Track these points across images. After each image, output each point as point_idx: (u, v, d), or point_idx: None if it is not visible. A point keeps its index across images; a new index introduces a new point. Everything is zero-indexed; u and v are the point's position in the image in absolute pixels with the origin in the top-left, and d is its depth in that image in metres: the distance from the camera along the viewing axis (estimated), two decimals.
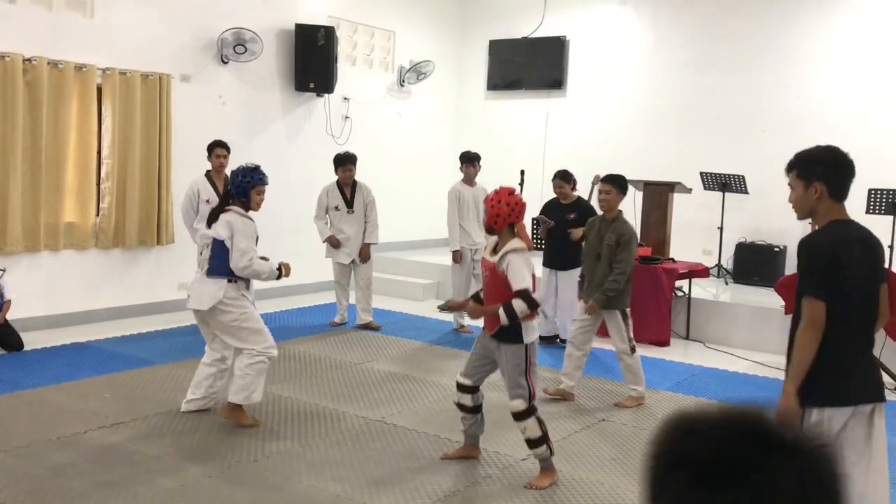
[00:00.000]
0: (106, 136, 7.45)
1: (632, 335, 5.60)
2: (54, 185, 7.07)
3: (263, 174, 4.89)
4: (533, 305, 4.03)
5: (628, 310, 5.60)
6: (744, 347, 7.60)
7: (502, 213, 4.19)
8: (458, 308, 4.88)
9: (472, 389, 4.38)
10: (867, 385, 2.98)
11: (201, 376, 5.10)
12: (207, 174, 7.27)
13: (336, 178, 7.75)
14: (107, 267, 7.62)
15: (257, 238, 4.90)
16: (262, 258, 4.95)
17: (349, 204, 7.72)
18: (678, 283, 7.97)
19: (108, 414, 4.99)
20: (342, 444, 4.68)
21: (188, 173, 7.58)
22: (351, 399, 5.56)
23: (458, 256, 7.73)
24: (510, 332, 4.13)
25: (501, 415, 5.29)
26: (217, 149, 7.19)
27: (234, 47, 8.31)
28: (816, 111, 9.02)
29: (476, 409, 4.42)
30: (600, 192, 5.66)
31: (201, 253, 5.07)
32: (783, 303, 7.04)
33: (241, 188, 4.80)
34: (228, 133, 8.19)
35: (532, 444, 4.17)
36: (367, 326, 7.85)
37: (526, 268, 4.09)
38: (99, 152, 7.47)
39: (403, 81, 10.73)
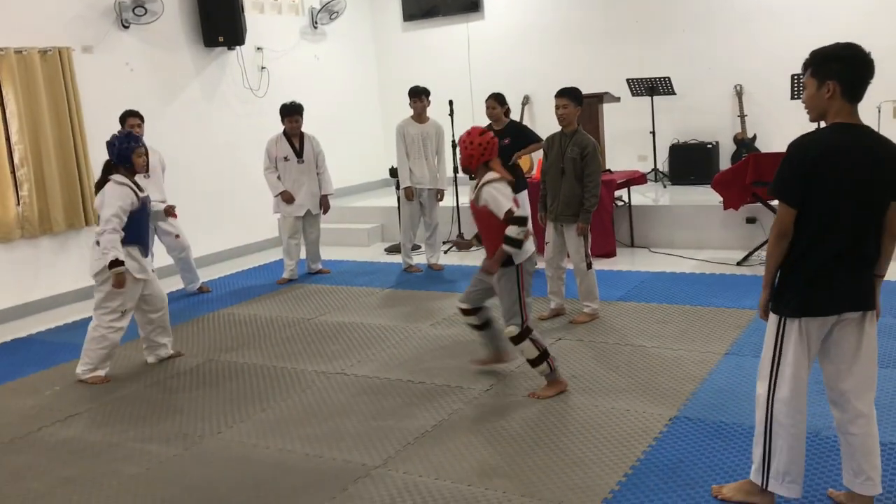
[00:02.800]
0: (12, 120, 7.07)
1: (589, 251, 5.64)
2: None
3: (138, 137, 5.16)
4: (523, 223, 4.24)
5: (589, 226, 5.62)
6: (688, 247, 7.72)
7: (475, 153, 4.42)
8: (465, 247, 5.02)
9: (473, 311, 4.68)
10: (852, 294, 2.88)
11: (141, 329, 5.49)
12: None
13: (282, 128, 7.56)
14: (36, 256, 7.34)
15: (133, 203, 5.01)
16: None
17: (298, 154, 7.53)
18: (617, 193, 8.02)
19: (61, 407, 4.86)
20: (305, 403, 4.64)
21: (105, 148, 7.26)
22: (308, 356, 5.50)
23: (409, 193, 7.59)
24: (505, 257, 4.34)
25: (458, 349, 5.31)
26: (130, 118, 6.90)
27: (134, 10, 7.90)
28: (733, 5, 9.02)
29: (486, 325, 4.75)
30: (557, 107, 5.60)
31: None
32: (721, 199, 7.15)
33: (122, 155, 5.02)
34: (141, 100, 7.87)
35: (533, 363, 4.42)
36: (319, 272, 7.94)
37: (500, 194, 4.30)
38: (7, 139, 7.09)
39: (316, 23, 10.40)
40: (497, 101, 7.12)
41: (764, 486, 3.07)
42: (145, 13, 7.96)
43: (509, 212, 4.24)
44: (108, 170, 5.09)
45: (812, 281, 2.87)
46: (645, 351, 5.05)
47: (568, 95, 5.58)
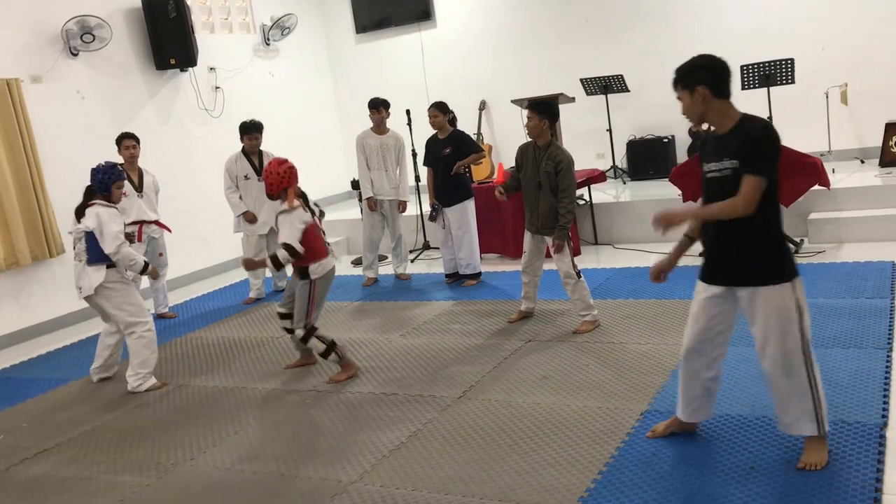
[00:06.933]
0: None
1: (575, 261, 5.53)
2: None
3: (121, 171, 5.42)
4: (293, 254, 4.89)
5: (569, 234, 5.55)
6: (651, 241, 7.80)
7: (275, 182, 4.99)
8: (255, 267, 5.58)
9: (288, 315, 5.29)
10: None
11: (101, 347, 5.73)
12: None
13: (240, 147, 7.55)
14: (2, 290, 7.23)
15: (126, 225, 5.55)
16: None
17: (259, 171, 7.51)
18: (578, 192, 8.07)
19: (30, 444, 4.78)
20: (278, 422, 4.62)
21: (63, 178, 7.21)
22: (279, 375, 5.48)
23: (372, 203, 7.59)
24: (304, 272, 5.02)
25: (430, 358, 5.33)
26: (126, 140, 6.99)
27: (82, 37, 7.83)
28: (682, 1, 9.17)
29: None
30: (526, 119, 5.54)
31: (74, 247, 5.39)
32: (679, 192, 7.24)
33: (103, 184, 5.30)
34: (95, 127, 7.81)
35: (323, 355, 5.11)
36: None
37: (288, 226, 4.91)
38: None
39: (269, 40, 10.37)
40: (439, 110, 7.12)
41: (823, 434, 3.26)
42: (94, 40, 7.88)
43: (286, 244, 4.87)
44: (90, 195, 5.32)
45: (786, 244, 3.26)
46: (613, 347, 5.10)
47: (532, 108, 5.46)
